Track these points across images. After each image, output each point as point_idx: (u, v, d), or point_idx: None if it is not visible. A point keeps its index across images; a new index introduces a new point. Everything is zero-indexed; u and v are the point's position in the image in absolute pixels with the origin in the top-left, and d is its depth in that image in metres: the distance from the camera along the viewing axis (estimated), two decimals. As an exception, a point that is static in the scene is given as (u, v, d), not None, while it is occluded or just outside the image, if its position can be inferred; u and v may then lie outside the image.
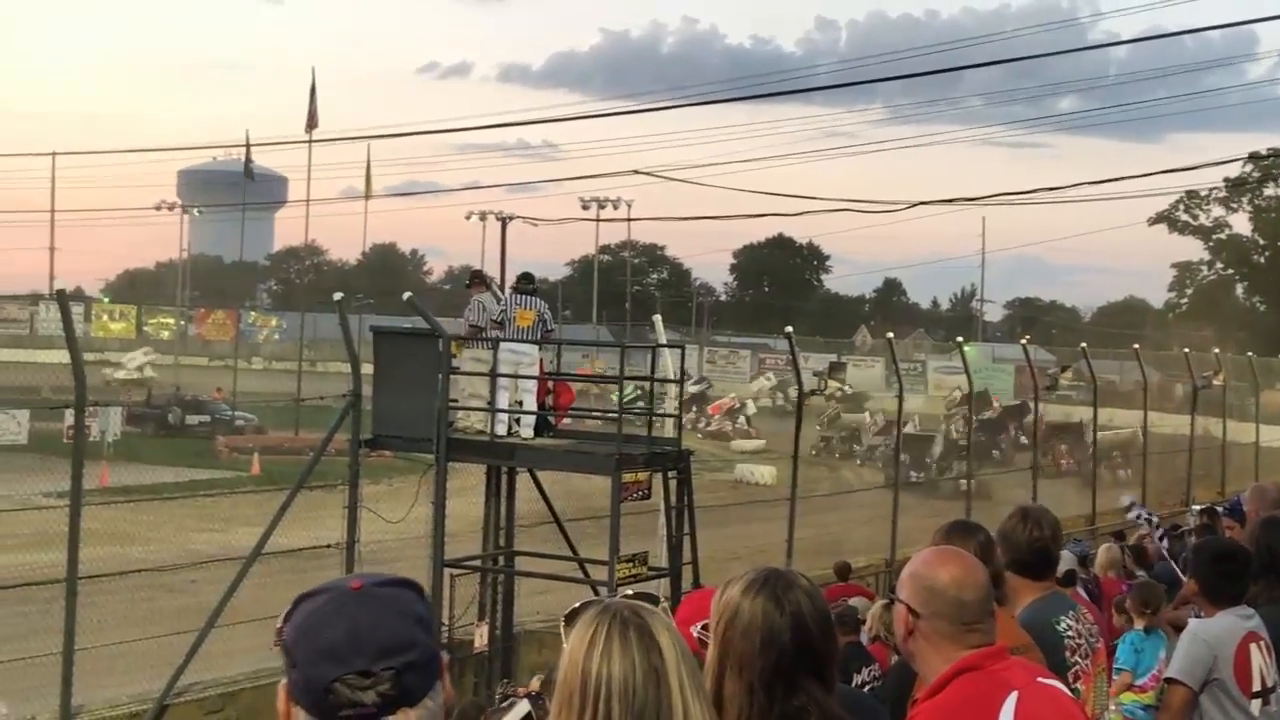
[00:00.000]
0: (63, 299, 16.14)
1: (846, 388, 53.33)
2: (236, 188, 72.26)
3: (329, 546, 14.74)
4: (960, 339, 32.92)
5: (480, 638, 15.41)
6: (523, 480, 16.13)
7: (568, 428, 16.62)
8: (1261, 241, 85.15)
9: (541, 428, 15.70)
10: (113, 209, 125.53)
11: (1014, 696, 3.23)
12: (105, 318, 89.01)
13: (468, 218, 75.14)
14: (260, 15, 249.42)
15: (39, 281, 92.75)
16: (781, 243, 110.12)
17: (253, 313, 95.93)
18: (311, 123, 60.29)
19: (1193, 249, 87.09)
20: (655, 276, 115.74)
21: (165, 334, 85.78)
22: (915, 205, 31.62)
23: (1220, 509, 14.19)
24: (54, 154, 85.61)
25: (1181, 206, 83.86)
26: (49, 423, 37.47)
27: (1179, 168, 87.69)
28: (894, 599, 3.53)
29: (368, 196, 73.77)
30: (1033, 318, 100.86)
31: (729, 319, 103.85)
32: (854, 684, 8.72)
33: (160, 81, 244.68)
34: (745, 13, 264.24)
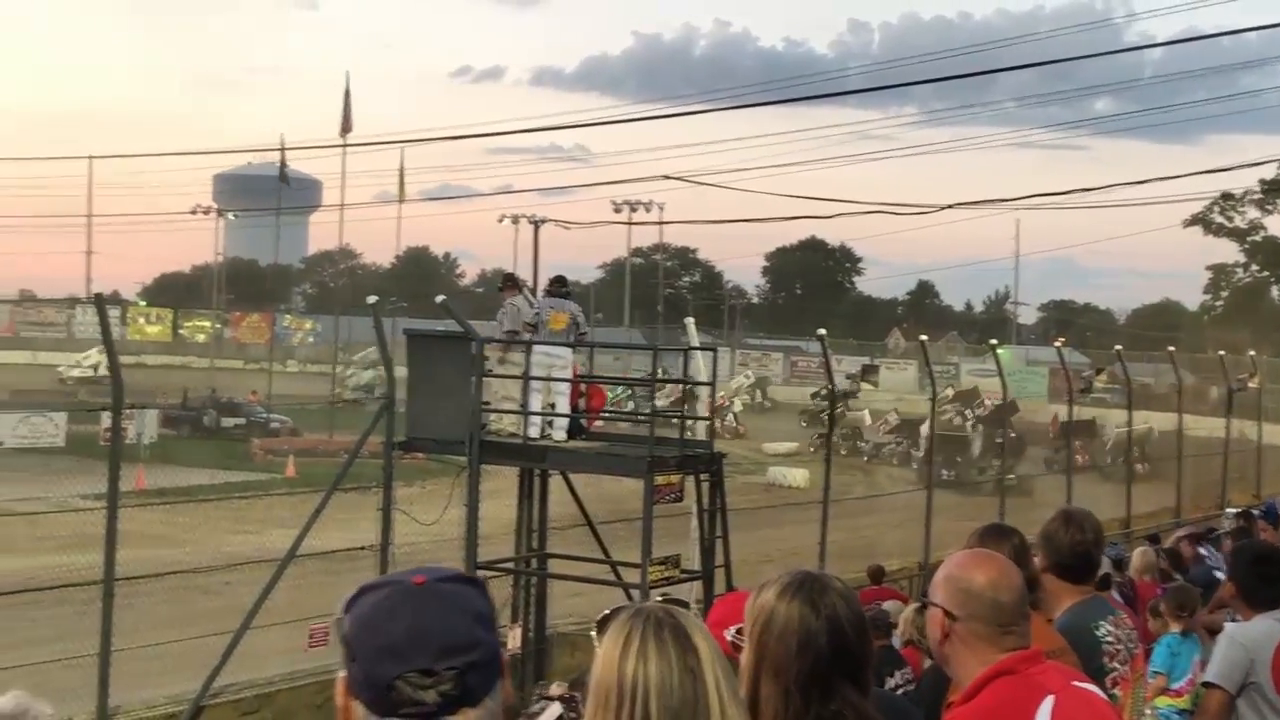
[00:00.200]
0: (100, 303, 16.25)
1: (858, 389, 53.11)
2: (272, 192, 72.61)
3: (363, 549, 14.79)
4: (994, 341, 32.78)
5: (513, 640, 15.43)
6: (555, 483, 16.14)
7: (600, 430, 16.64)
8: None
9: (574, 430, 15.72)
10: (149, 213, 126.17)
11: (1050, 700, 3.22)
12: (142, 321, 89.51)
13: (500, 221, 75.39)
14: (295, 20, 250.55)
15: (76, 285, 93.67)
16: (814, 245, 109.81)
17: (288, 316, 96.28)
18: (346, 127, 60.59)
19: (1228, 251, 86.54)
20: (687, 279, 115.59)
21: (201, 337, 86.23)
22: (949, 207, 31.55)
23: (1255, 512, 14.10)
24: (91, 158, 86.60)
25: (1216, 208, 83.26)
26: (86, 425, 37.91)
27: (1214, 169, 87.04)
28: (927, 603, 3.52)
29: (401, 200, 74.06)
30: (1067, 320, 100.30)
31: (761, 322, 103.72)
32: (886, 688, 8.69)
33: (196, 86, 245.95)
34: (778, 15, 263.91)
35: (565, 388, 15.40)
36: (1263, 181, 77.05)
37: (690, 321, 20.03)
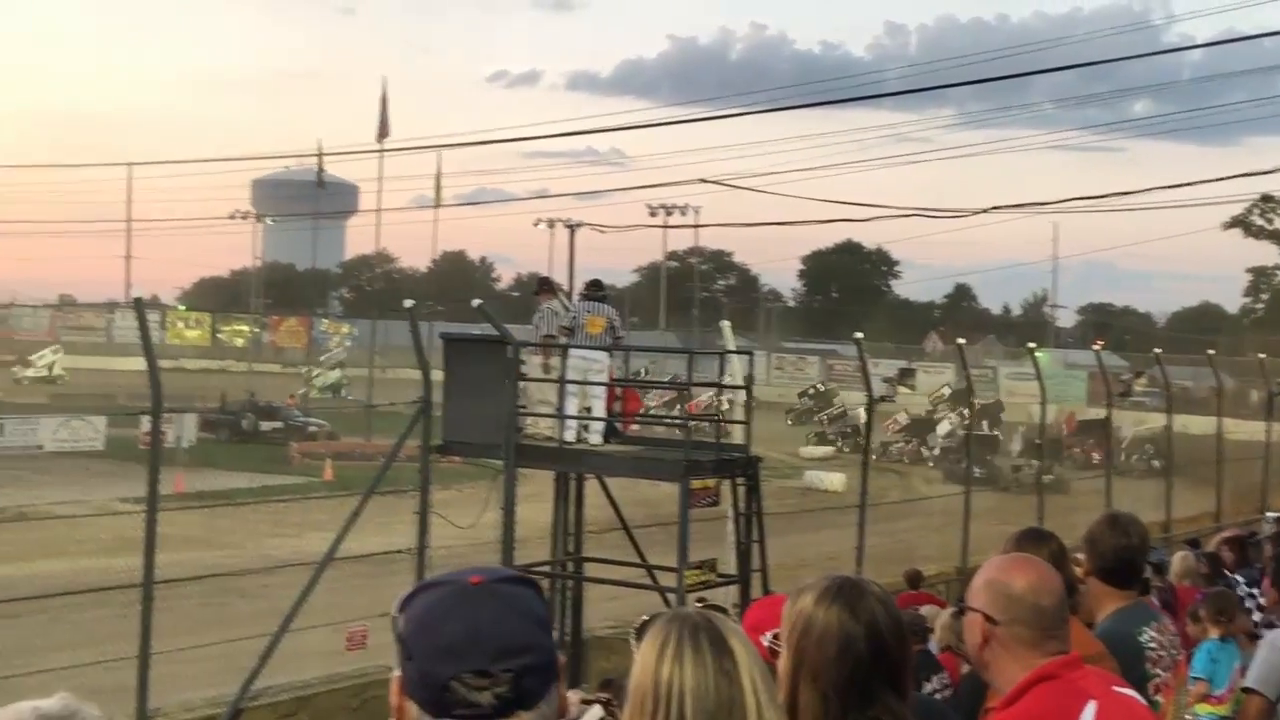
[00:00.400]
0: (140, 307, 16.37)
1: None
2: (309, 197, 73.12)
3: (400, 552, 14.83)
4: (1032, 345, 32.55)
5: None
6: (591, 486, 16.15)
7: (635, 434, 16.64)
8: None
9: (609, 434, 15.72)
10: (188, 218, 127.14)
11: (1093, 706, 3.20)
12: (180, 325, 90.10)
13: (536, 225, 75.67)
14: (333, 26, 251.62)
15: (116, 289, 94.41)
16: (850, 248, 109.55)
17: (325, 320, 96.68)
18: (382, 132, 61.01)
19: (1268, 254, 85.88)
20: (723, 283, 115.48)
21: (239, 341, 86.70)
22: (986, 211, 31.36)
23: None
24: (130, 164, 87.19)
25: (1256, 210, 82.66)
26: (125, 429, 38.17)
27: (1254, 172, 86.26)
28: (965, 608, 3.49)
29: (437, 205, 74.43)
30: (1105, 323, 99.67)
31: (797, 325, 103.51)
32: (923, 693, 8.66)
33: (234, 92, 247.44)
34: (814, 18, 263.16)
35: (601, 391, 15.41)
36: (1304, 183, 76.42)
37: (726, 325, 20.02)
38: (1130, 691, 3.44)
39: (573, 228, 61.92)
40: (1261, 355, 35.46)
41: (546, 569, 15.85)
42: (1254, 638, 7.91)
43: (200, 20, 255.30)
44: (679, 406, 22.02)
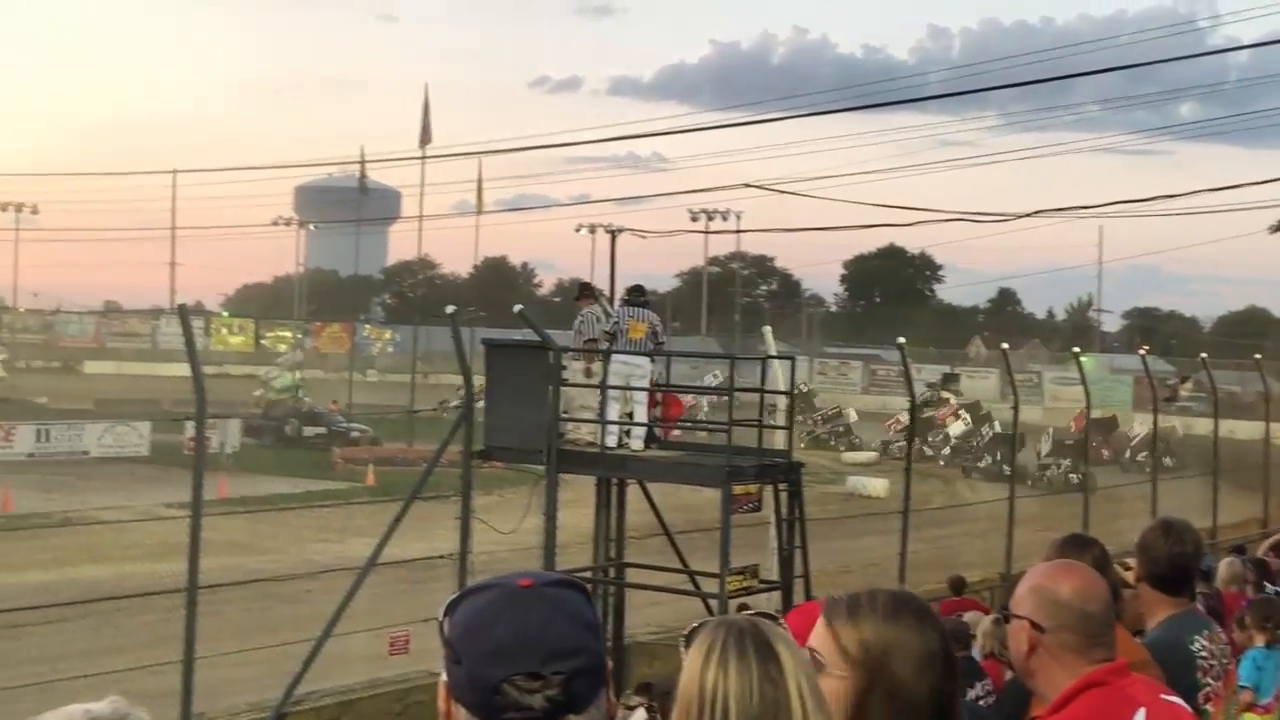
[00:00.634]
0: (184, 313, 16.45)
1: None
2: (351, 203, 73.32)
3: (442, 557, 14.86)
4: (1077, 349, 32.34)
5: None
6: (633, 492, 16.14)
7: (677, 440, 16.62)
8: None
9: (650, 439, 15.71)
10: (231, 224, 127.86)
11: (1141, 714, 3.16)
12: (224, 331, 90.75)
13: (577, 230, 75.73)
14: (375, 32, 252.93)
15: (160, 296, 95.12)
16: (893, 253, 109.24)
17: (367, 326, 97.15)
18: (425, 138, 61.07)
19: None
20: (764, 288, 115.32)
21: (283, 347, 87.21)
22: (1031, 214, 31.12)
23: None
24: (175, 171, 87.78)
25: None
26: (170, 435, 38.48)
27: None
28: (1010, 614, 3.46)
29: (479, 211, 74.48)
30: (1151, 328, 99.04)
31: (840, 330, 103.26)
32: (967, 699, 8.61)
33: (277, 99, 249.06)
34: (856, 22, 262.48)
35: (643, 397, 15.40)
36: (1352, 186, 75.64)
37: (768, 330, 20.00)
38: (1177, 699, 3.40)
39: (614, 233, 61.95)
40: (1310, 359, 35.14)
41: (588, 574, 15.85)
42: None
43: (244, 28, 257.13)
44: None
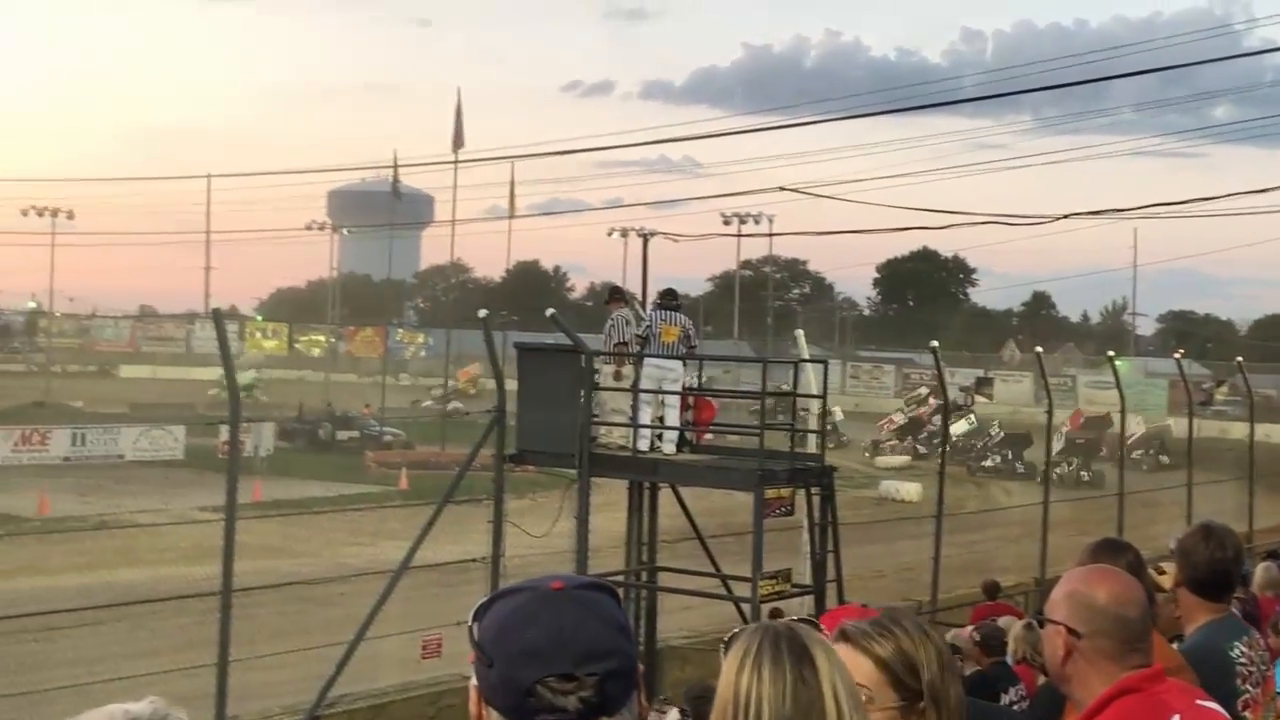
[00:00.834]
0: (218, 318, 16.51)
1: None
2: (385, 207, 73.57)
3: (474, 561, 14.88)
4: (1111, 353, 32.13)
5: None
6: (665, 496, 16.12)
7: (709, 443, 16.59)
8: None
9: (681, 443, 15.68)
10: (265, 229, 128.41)
11: (1176, 720, 3.14)
12: (259, 335, 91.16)
13: (609, 234, 75.82)
14: (409, 38, 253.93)
15: (195, 300, 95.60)
16: (926, 256, 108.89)
17: (400, 330, 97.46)
18: (457, 142, 61.20)
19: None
20: (797, 291, 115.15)
21: (316, 351, 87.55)
22: (1065, 217, 30.91)
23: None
24: (209, 176, 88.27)
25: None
26: (204, 438, 38.69)
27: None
28: (1045, 620, 3.44)
29: (512, 215, 74.50)
30: (1187, 331, 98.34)
31: (872, 333, 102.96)
32: (1000, 704, 8.56)
33: (311, 103, 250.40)
34: (889, 25, 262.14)
35: (676, 400, 15.38)
36: (1390, 188, 74.96)
37: (800, 334, 19.95)
38: (1213, 705, 3.36)
39: (646, 237, 61.88)
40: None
41: (620, 578, 15.84)
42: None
43: (278, 34, 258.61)
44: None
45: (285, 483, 34.60)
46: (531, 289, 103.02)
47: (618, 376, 15.40)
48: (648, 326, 15.26)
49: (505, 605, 1.96)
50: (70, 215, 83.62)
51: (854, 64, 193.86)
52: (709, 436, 16.85)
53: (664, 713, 9.78)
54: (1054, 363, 61.97)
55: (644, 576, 16.08)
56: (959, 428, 52.70)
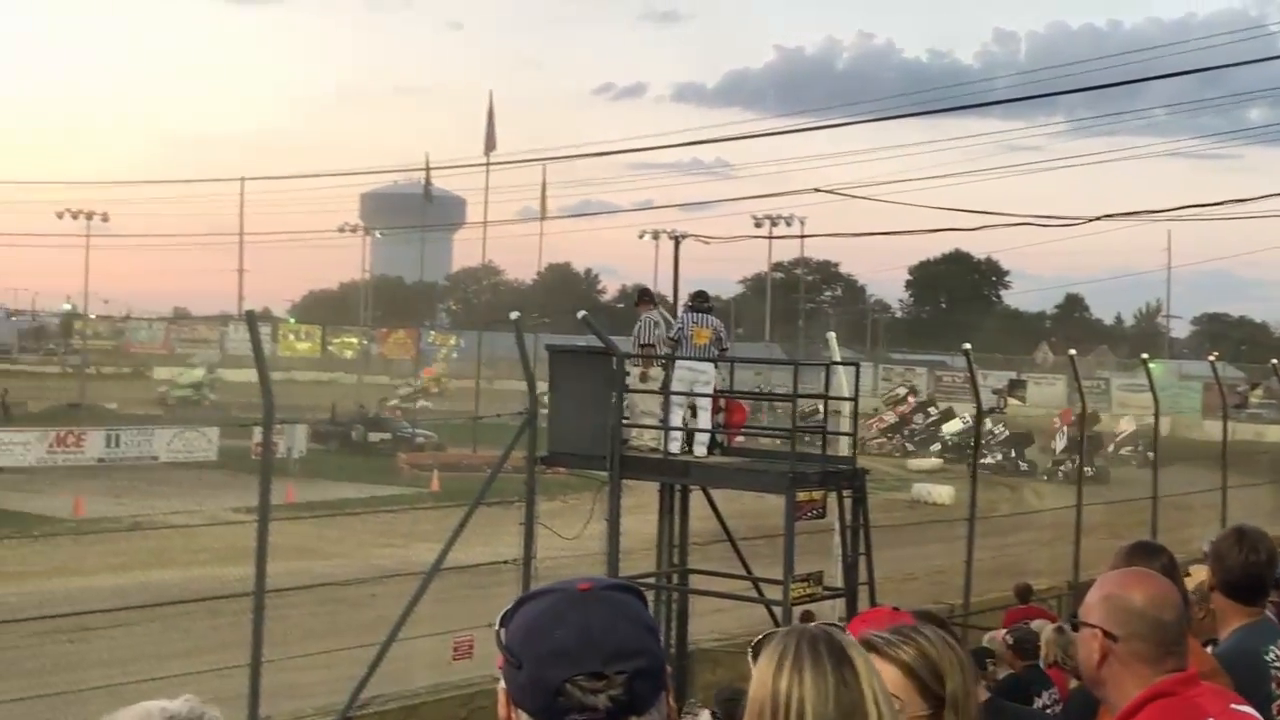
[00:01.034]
0: (251, 320, 16.58)
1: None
2: (417, 210, 73.84)
3: (506, 562, 14.89)
4: (1145, 356, 31.94)
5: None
6: (696, 498, 16.11)
7: (740, 446, 16.56)
8: None
9: (712, 445, 15.66)
10: (299, 231, 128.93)
11: (1210, 724, 3.12)
12: (291, 338, 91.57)
13: (641, 237, 75.82)
14: (441, 40, 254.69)
15: (229, 302, 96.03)
16: (959, 258, 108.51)
17: (432, 332, 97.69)
18: (489, 145, 61.41)
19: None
20: (829, 293, 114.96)
21: (349, 353, 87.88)
22: (1098, 219, 30.77)
23: None
24: (242, 179, 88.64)
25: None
26: (237, 440, 38.89)
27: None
28: (1080, 623, 3.42)
29: (543, 217, 74.67)
30: (1221, 334, 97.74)
31: (904, 336, 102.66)
32: (1033, 707, 8.52)
33: (344, 106, 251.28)
34: (922, 27, 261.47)
35: (707, 402, 15.37)
36: None
37: (832, 336, 19.90)
38: (1248, 709, 3.34)
39: (678, 239, 61.91)
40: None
41: (651, 580, 15.83)
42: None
43: (310, 38, 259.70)
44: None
45: (318, 484, 34.77)
46: (563, 291, 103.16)
47: (644, 378, 15.39)
48: (679, 329, 15.25)
49: (533, 607, 1.96)
50: (105, 218, 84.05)
51: (886, 66, 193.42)
52: (740, 439, 16.81)
53: (696, 715, 9.77)
54: (1087, 365, 61.69)
55: (675, 579, 16.07)
56: (951, 427, 53.38)
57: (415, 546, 21.57)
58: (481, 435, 43.75)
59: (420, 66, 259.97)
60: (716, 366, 15.52)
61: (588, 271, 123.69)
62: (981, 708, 3.73)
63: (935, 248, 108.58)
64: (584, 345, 16.61)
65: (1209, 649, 4.55)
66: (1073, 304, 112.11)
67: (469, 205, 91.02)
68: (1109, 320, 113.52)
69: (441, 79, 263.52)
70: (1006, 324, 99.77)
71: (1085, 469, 39.83)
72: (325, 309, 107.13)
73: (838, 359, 18.81)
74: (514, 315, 18.26)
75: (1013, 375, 62.34)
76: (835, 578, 15.15)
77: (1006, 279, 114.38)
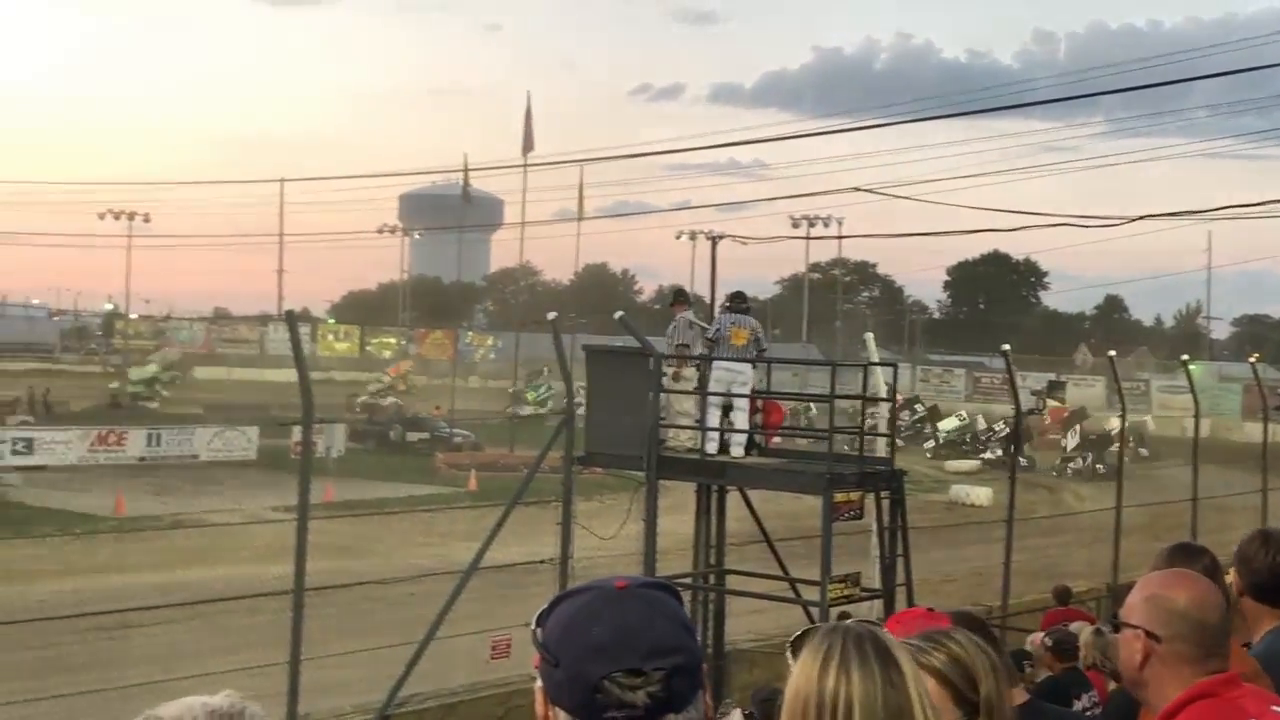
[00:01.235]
0: (291, 320, 16.67)
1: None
2: (455, 211, 73.99)
3: (543, 562, 14.91)
4: (1185, 357, 31.75)
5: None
6: (733, 499, 16.09)
7: (778, 446, 16.54)
8: None
9: (749, 446, 15.64)
10: (338, 232, 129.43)
11: (1252, 726, 3.10)
12: (330, 338, 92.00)
13: (678, 237, 75.88)
14: (480, 42, 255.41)
15: (268, 302, 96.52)
16: (997, 259, 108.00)
17: (470, 332, 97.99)
18: (527, 146, 61.47)
19: None
20: (866, 294, 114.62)
21: (387, 353, 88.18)
22: (1138, 219, 30.58)
23: None
24: (282, 180, 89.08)
25: None
26: (277, 439, 39.09)
27: None
28: (1122, 624, 3.40)
29: (580, 218, 74.71)
30: (1262, 335, 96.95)
31: (943, 337, 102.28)
32: (1073, 709, 8.48)
33: (384, 108, 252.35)
34: (960, 27, 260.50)
35: (745, 403, 15.35)
36: None
37: (869, 337, 19.83)
38: (1290, 712, 3.32)
39: (715, 240, 61.85)
40: None
41: (688, 580, 15.83)
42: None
43: (349, 40, 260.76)
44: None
45: (356, 483, 34.89)
46: (600, 292, 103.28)
47: (676, 378, 15.39)
48: (717, 330, 15.24)
49: (570, 605, 1.97)
50: (147, 219, 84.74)
51: (925, 66, 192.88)
52: (777, 439, 16.79)
53: (728, 714, 9.75)
54: (1127, 367, 61.33)
55: (712, 579, 16.06)
56: (948, 424, 53.50)
57: (453, 545, 21.62)
58: (519, 435, 43.84)
59: (459, 68, 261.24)
60: (754, 367, 15.51)
61: (625, 272, 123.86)
62: (1020, 710, 3.72)
63: (974, 248, 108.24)
64: (621, 346, 16.62)
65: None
66: (1112, 305, 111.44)
67: (507, 206, 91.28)
68: (1149, 321, 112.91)
69: (480, 80, 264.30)
70: (1045, 325, 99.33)
71: (1097, 466, 40.26)
72: (364, 309, 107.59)
73: (875, 360, 18.76)
74: (551, 316, 18.32)
75: (1052, 376, 62.04)
76: (873, 579, 15.12)
77: (1045, 280, 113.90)
